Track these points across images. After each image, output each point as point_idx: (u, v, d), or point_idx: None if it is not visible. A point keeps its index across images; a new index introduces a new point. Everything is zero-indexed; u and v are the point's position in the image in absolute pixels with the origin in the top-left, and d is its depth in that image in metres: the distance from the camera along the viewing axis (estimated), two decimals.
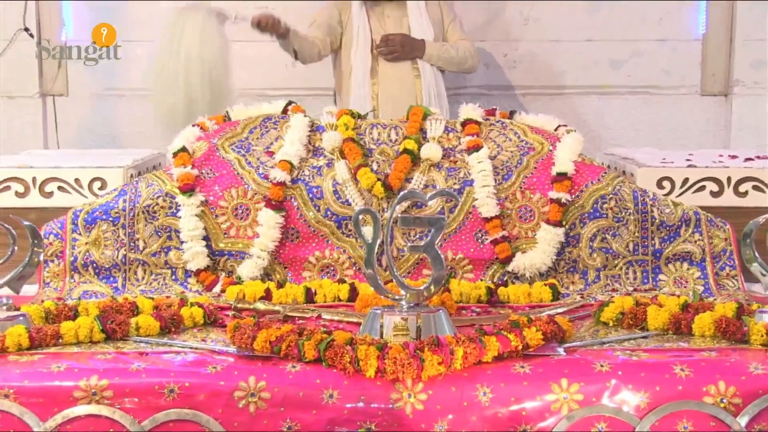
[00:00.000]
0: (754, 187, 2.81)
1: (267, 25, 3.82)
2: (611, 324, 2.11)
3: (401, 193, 2.29)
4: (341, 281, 2.46)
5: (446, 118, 2.91)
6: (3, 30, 4.85)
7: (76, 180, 2.82)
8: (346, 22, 4.06)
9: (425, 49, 4.03)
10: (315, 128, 2.72)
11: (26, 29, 4.92)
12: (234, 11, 3.78)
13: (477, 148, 2.64)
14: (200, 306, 2.17)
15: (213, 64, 3.62)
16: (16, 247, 2.05)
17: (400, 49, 4.00)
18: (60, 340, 1.92)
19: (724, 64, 5.10)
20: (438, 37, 4.12)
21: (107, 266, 2.52)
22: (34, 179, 2.82)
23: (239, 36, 5.09)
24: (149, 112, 5.08)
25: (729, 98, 5.12)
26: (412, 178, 2.61)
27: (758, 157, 3.08)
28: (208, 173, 2.61)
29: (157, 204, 2.56)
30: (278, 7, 4.71)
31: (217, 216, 2.56)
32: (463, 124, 2.73)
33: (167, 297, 2.32)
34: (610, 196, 2.57)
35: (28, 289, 2.33)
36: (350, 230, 2.54)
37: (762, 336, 1.89)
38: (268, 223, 2.53)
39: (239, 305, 2.30)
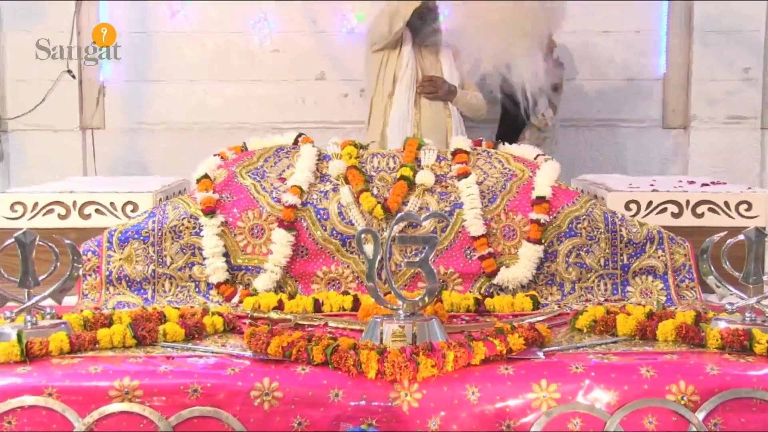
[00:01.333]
0: (710, 209, 2.82)
1: None
2: (585, 330, 2.10)
3: (398, 215, 2.29)
4: (345, 293, 2.46)
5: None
6: (48, 72, 4.88)
7: (111, 203, 2.83)
8: (398, 51, 4.17)
9: (456, 94, 4.28)
10: (322, 157, 2.73)
11: (69, 71, 4.95)
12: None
13: (466, 174, 2.65)
14: (220, 315, 2.17)
15: None
16: (58, 263, 2.05)
17: (440, 90, 4.18)
18: (97, 345, 1.92)
19: (682, 101, 5.14)
20: (460, 86, 4.35)
21: (138, 280, 2.52)
22: (74, 203, 2.83)
23: (255, 76, 5.15)
24: (175, 143, 5.12)
25: (687, 131, 5.14)
26: (408, 202, 2.61)
27: (713, 183, 3.10)
28: (227, 197, 2.61)
29: (182, 224, 2.56)
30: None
31: (235, 235, 2.57)
32: (453, 153, 2.74)
33: (191, 307, 2.32)
34: (584, 217, 2.57)
35: (69, 300, 2.32)
36: (353, 248, 2.54)
37: (717, 341, 1.89)
38: (281, 242, 2.53)
39: (255, 314, 2.30)
